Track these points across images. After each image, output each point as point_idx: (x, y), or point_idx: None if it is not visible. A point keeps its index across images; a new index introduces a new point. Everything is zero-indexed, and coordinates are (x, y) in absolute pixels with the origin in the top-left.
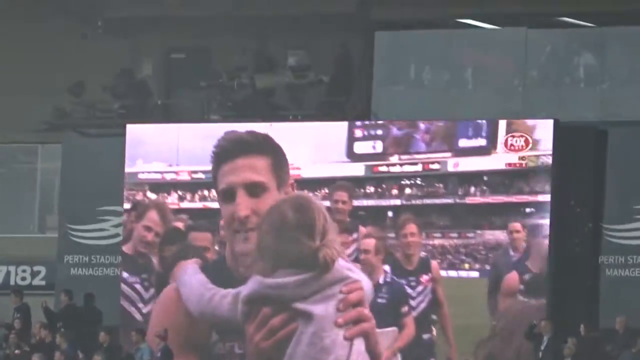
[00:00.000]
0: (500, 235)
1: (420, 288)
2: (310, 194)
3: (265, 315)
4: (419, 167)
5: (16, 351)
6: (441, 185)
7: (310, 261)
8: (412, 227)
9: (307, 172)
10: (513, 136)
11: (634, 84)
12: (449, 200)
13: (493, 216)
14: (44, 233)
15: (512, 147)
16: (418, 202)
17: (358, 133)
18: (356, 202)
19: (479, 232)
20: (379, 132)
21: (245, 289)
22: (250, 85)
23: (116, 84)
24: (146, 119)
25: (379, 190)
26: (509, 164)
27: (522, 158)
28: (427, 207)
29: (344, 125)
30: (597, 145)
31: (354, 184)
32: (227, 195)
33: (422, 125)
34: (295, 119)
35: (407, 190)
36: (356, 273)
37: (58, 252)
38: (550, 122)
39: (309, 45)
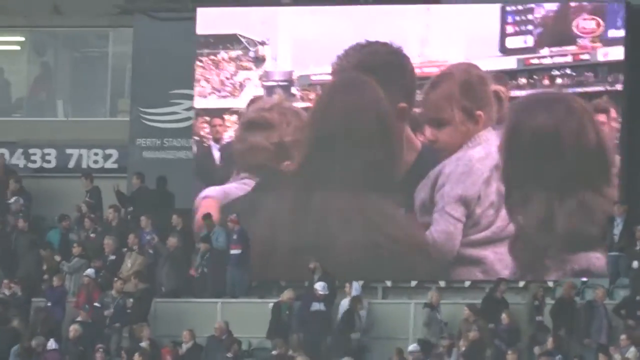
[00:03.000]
0: None
1: None
2: None
3: None
4: (569, 58)
5: (92, 235)
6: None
7: None
8: None
9: None
10: (584, 19)
11: None
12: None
13: None
14: (115, 116)
15: (584, 30)
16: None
17: (509, 29)
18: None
19: None
20: (529, 27)
21: None
22: None
23: None
24: (216, 2)
25: (531, 81)
26: (580, 47)
27: (592, 40)
28: None
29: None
30: None
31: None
32: None
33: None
34: (367, 2)
35: (558, 80)
36: None
37: (130, 135)
38: (622, 5)
39: None
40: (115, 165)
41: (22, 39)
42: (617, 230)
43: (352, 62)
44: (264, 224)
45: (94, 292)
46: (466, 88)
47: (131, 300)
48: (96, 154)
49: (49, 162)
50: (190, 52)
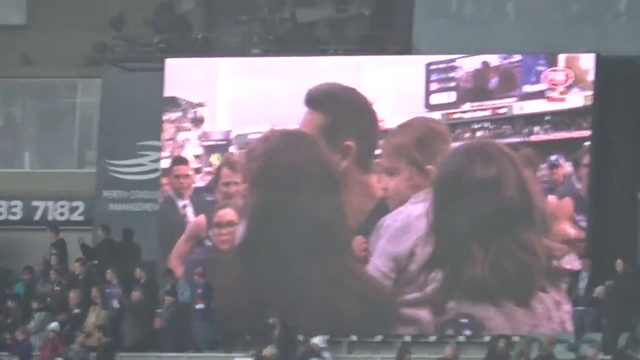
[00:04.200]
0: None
1: None
2: None
3: None
4: (488, 112)
5: (56, 287)
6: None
7: None
8: None
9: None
10: (554, 71)
11: None
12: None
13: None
14: (82, 168)
15: (553, 82)
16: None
17: (434, 86)
18: None
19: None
20: (452, 84)
21: None
22: (291, 19)
23: (156, 18)
24: (186, 53)
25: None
26: (550, 98)
27: (562, 92)
28: None
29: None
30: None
31: None
32: None
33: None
34: (336, 53)
35: (478, 133)
36: None
37: (97, 187)
38: (592, 56)
39: None
40: (81, 218)
41: None
42: (583, 284)
43: (319, 90)
44: (230, 279)
45: (59, 346)
46: (421, 142)
47: (94, 354)
48: (62, 206)
49: (14, 214)
50: (158, 103)
